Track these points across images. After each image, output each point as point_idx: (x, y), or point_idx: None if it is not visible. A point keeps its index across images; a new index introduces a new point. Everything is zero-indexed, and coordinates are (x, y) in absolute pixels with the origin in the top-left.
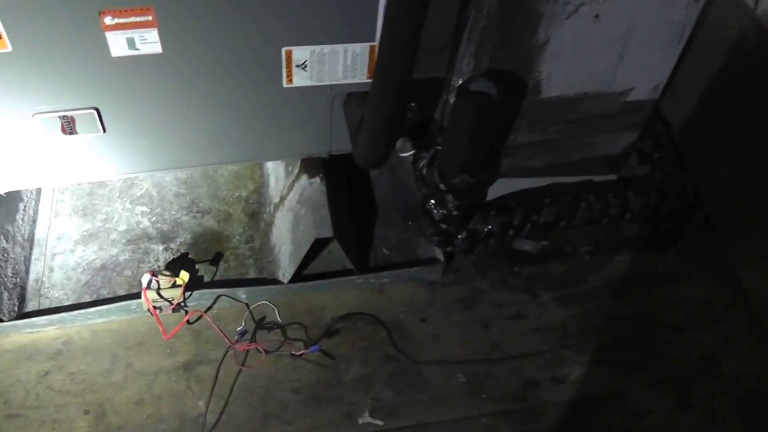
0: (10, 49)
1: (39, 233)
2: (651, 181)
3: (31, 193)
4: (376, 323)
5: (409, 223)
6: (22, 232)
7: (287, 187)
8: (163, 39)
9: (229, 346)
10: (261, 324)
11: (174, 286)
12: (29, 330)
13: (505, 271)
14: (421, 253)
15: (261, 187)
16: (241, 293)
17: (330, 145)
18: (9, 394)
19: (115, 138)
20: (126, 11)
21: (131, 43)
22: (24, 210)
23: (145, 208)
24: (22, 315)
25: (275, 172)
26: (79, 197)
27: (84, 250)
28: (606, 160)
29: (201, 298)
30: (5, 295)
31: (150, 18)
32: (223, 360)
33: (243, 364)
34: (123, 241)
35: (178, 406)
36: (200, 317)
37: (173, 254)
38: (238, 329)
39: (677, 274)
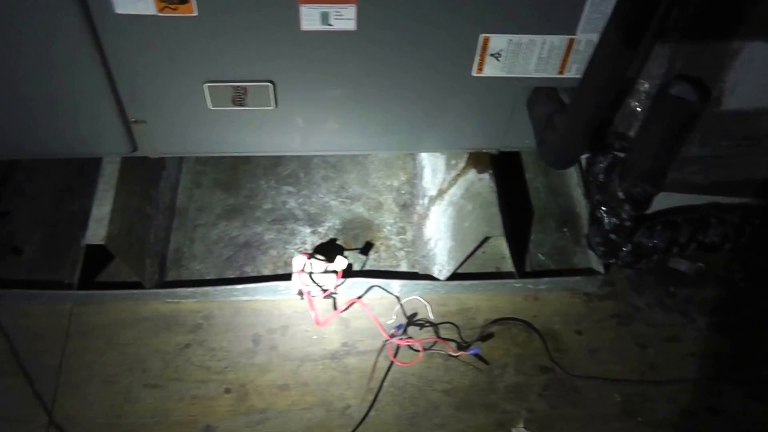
0: (196, 13)
1: (179, 203)
2: None
3: (173, 161)
4: (531, 331)
5: (565, 230)
6: (165, 200)
7: (449, 180)
8: (360, 16)
9: (387, 340)
10: (412, 320)
11: (328, 271)
12: (169, 300)
13: (660, 290)
14: (577, 262)
15: (413, 177)
16: (395, 286)
17: (502, 141)
18: (147, 363)
19: (283, 114)
20: None
21: (325, 17)
22: (166, 178)
23: (291, 189)
24: (164, 284)
25: (432, 163)
26: (221, 171)
27: (227, 225)
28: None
29: (352, 286)
30: (147, 261)
31: None
32: (380, 353)
33: (395, 359)
34: (268, 219)
35: (325, 395)
36: (350, 306)
37: (321, 239)
38: (389, 322)
39: None
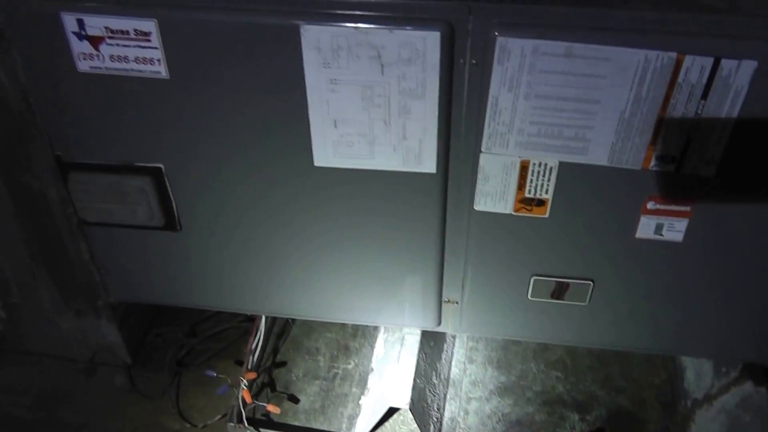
0: (547, 216)
1: (453, 375)
2: None
3: (450, 337)
4: None
5: None
6: (445, 371)
7: (718, 387)
8: (689, 230)
9: None
10: None
11: None
12: None
13: None
14: None
15: (673, 377)
16: None
17: None
18: None
19: (591, 311)
20: (670, 200)
21: (659, 228)
22: (446, 351)
23: (559, 374)
24: None
25: (695, 366)
26: (493, 349)
27: (499, 401)
28: None
29: None
30: (431, 428)
31: (687, 209)
32: None
33: None
34: (538, 401)
35: None
36: None
37: (589, 426)
38: None
39: None
